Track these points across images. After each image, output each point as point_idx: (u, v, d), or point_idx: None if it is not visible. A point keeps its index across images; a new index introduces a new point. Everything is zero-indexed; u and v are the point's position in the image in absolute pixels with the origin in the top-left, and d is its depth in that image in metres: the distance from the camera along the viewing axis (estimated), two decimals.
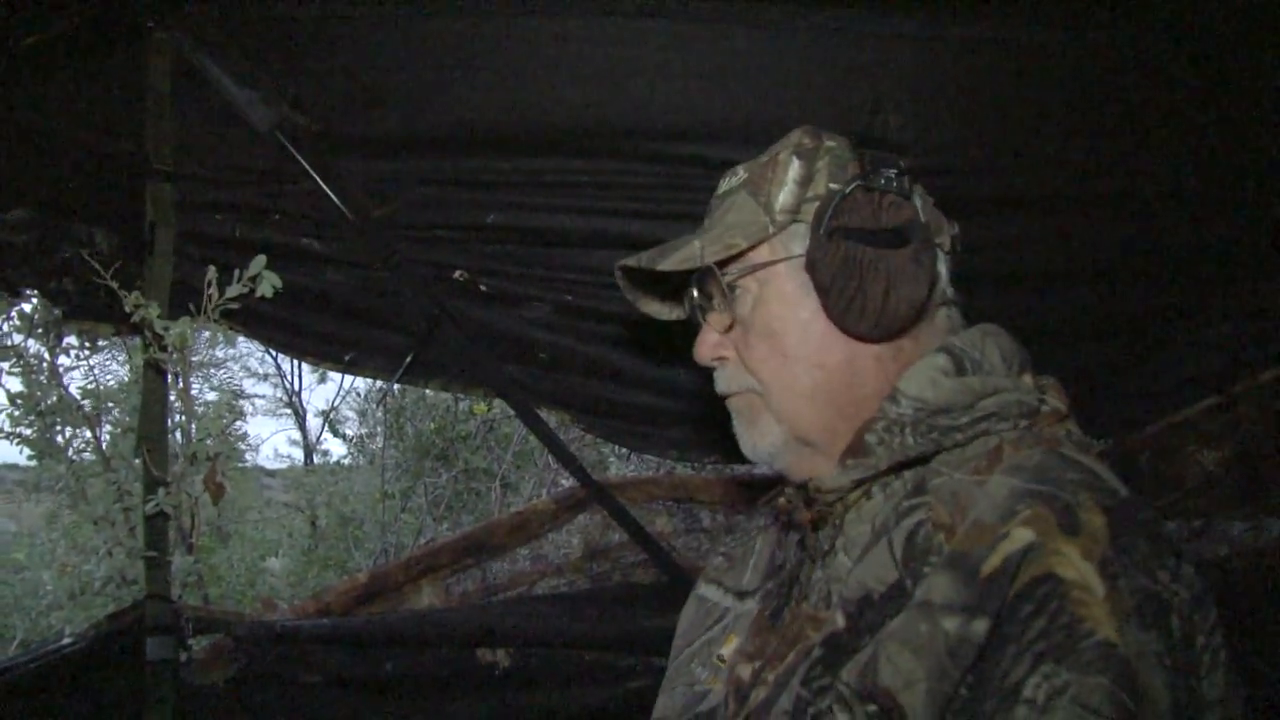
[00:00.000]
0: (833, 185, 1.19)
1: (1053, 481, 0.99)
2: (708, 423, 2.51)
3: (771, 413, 1.25)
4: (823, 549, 1.22)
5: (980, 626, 0.93)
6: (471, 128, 2.17)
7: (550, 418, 2.66)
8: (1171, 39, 2.04)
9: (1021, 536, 0.94)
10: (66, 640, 2.12)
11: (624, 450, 5.42)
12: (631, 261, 1.30)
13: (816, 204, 1.19)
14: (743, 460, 1.38)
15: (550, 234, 2.31)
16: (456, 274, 2.35)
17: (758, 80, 2.11)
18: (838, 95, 2.12)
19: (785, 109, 2.11)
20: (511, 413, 3.72)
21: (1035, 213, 2.32)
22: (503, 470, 6.39)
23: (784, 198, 1.21)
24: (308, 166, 2.14)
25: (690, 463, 3.29)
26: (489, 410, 6.24)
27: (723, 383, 1.31)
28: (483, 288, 2.37)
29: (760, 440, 1.27)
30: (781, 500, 1.35)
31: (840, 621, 1.09)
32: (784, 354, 1.22)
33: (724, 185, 1.31)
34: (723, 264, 1.23)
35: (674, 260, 1.23)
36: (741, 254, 1.23)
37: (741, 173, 1.28)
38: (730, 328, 1.28)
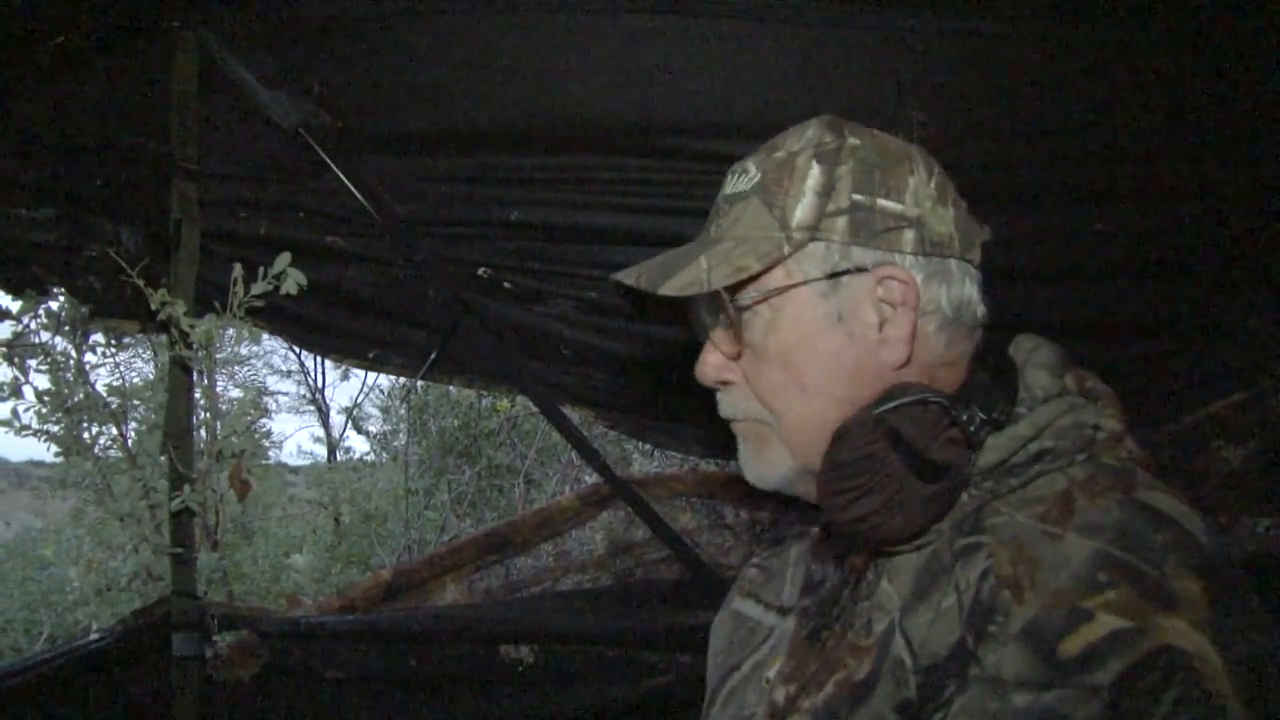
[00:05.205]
0: (856, 197, 1.07)
1: (1136, 548, 0.92)
2: None
3: (784, 444, 1.14)
4: (867, 577, 1.14)
5: (1049, 697, 0.87)
6: (494, 125, 2.17)
7: (573, 414, 2.66)
8: (1200, 32, 2.02)
9: (1107, 623, 0.88)
10: (94, 636, 2.14)
11: (647, 446, 5.41)
12: (630, 281, 1.15)
13: (839, 219, 1.06)
14: None
15: (573, 230, 2.30)
16: (480, 271, 2.35)
17: (779, 75, 2.10)
18: (860, 90, 2.11)
19: (807, 104, 2.09)
20: (535, 409, 3.74)
21: (1059, 207, 2.29)
22: (526, 467, 6.40)
23: (801, 212, 1.07)
24: (332, 164, 2.15)
25: (714, 459, 3.28)
26: (512, 407, 6.26)
27: (727, 407, 1.21)
28: (506, 284, 2.37)
29: (768, 471, 1.17)
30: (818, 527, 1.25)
31: (912, 690, 1.00)
32: (802, 387, 1.10)
33: (731, 184, 1.17)
34: (733, 287, 1.09)
35: (677, 284, 1.08)
36: (754, 276, 1.09)
37: (753, 170, 1.13)
38: (739, 355, 1.16)
